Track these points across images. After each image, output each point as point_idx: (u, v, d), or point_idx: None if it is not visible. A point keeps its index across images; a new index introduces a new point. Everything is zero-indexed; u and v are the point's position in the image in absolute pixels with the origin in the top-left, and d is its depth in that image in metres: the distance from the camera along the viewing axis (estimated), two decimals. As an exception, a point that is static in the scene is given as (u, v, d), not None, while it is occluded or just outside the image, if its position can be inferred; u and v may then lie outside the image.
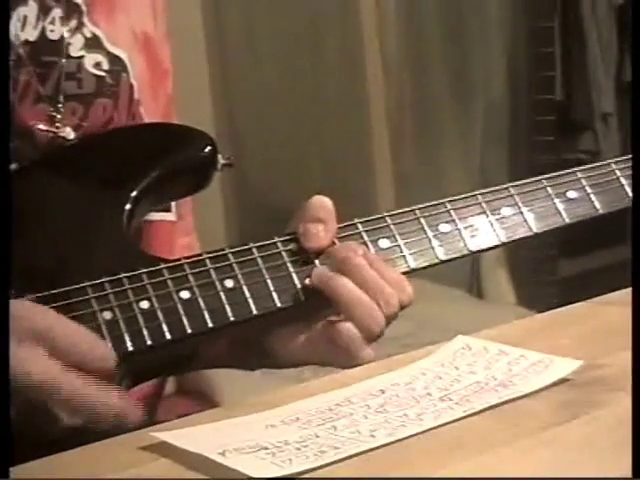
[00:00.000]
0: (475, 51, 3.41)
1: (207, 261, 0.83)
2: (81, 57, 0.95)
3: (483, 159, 3.37)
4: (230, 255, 0.84)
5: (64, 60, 0.93)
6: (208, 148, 0.91)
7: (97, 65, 0.96)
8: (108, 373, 0.74)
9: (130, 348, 0.78)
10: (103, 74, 0.96)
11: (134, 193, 0.87)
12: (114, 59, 0.97)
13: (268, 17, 2.92)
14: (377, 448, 0.61)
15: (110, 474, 0.61)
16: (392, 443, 0.62)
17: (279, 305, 0.83)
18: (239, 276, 0.83)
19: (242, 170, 2.87)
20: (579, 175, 0.95)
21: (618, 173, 0.96)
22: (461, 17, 3.37)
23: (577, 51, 3.47)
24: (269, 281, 0.84)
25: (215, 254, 0.84)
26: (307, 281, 0.84)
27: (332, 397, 0.70)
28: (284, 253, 0.85)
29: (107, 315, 0.79)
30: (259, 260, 0.84)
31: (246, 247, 0.85)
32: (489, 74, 3.46)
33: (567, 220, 0.93)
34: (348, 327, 0.83)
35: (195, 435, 0.65)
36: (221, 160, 0.92)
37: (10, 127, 0.86)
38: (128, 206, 0.87)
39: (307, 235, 0.85)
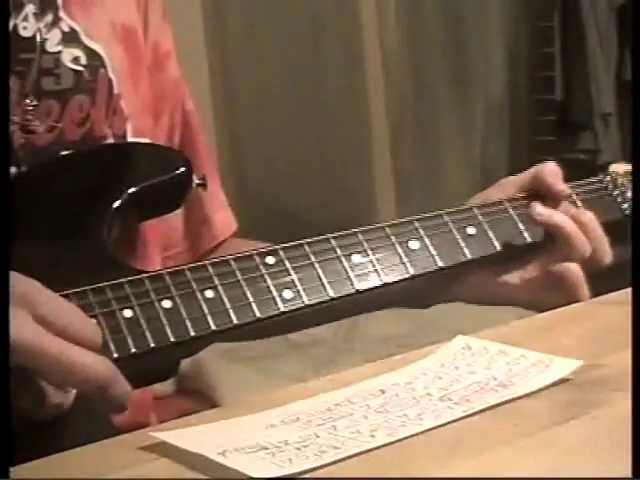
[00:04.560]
0: (475, 51, 3.41)
1: (187, 272, 0.84)
2: (58, 52, 0.95)
3: (483, 159, 3.37)
4: (209, 267, 0.85)
5: (39, 56, 0.93)
6: (182, 168, 0.92)
7: (75, 60, 0.96)
8: (94, 347, 0.74)
9: (115, 355, 0.78)
10: (81, 69, 0.96)
11: (111, 209, 0.88)
12: (91, 54, 0.97)
13: (268, 16, 2.92)
14: (377, 448, 0.61)
15: (110, 474, 0.61)
16: (392, 443, 0.62)
17: (258, 315, 0.84)
18: (219, 287, 0.84)
19: (242, 171, 2.87)
20: (475, 211, 0.98)
21: (511, 212, 1.00)
22: (461, 17, 3.38)
23: (577, 51, 3.47)
24: (247, 292, 0.85)
25: (195, 265, 0.85)
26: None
27: (332, 397, 0.70)
28: (261, 266, 0.86)
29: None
30: (237, 273, 0.85)
31: (224, 259, 0.86)
32: (489, 74, 3.46)
33: (469, 256, 0.96)
34: (575, 267, 0.95)
35: (195, 435, 0.65)
36: (195, 180, 0.94)
37: (9, 127, 0.85)
38: (107, 222, 0.88)
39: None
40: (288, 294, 0.86)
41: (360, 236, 0.92)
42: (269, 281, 0.86)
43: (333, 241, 0.91)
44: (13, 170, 0.90)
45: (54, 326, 0.71)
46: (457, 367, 0.74)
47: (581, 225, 0.97)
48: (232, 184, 2.80)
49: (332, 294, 0.88)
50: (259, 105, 2.92)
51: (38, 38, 0.94)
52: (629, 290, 0.80)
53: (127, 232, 0.95)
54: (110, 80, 0.98)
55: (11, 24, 0.91)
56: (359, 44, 3.11)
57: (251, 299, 0.84)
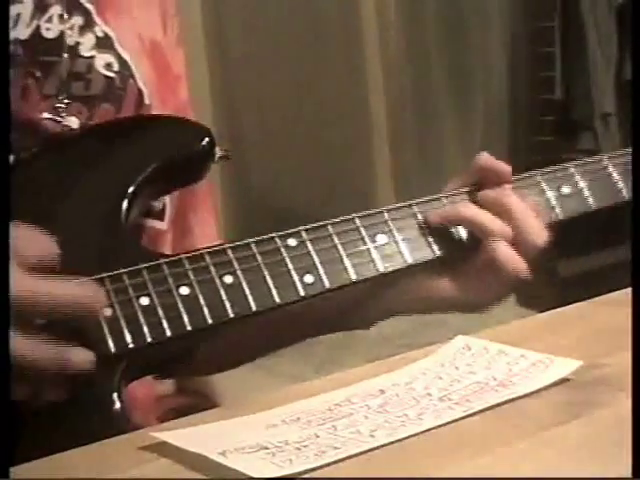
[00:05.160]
0: (475, 51, 3.41)
1: (206, 257, 0.83)
2: (92, 57, 0.94)
3: (483, 159, 3.36)
4: (229, 250, 0.83)
5: (66, 56, 0.92)
6: (206, 140, 0.90)
7: (108, 66, 0.95)
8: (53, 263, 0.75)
9: (130, 345, 0.78)
10: (113, 75, 0.95)
11: (131, 188, 0.87)
12: (122, 62, 0.96)
13: (268, 19, 2.92)
14: (377, 448, 0.61)
15: (110, 474, 0.61)
16: (392, 443, 0.62)
17: (278, 301, 0.83)
18: (238, 272, 0.83)
19: (242, 170, 2.87)
20: (572, 170, 0.95)
21: (611, 169, 0.96)
22: (461, 17, 3.38)
23: (577, 51, 3.47)
24: (268, 278, 0.84)
25: (214, 249, 0.83)
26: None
27: (332, 397, 0.70)
28: (283, 249, 0.85)
29: (107, 312, 0.78)
30: (258, 256, 0.84)
31: (244, 242, 0.84)
32: (489, 74, 3.46)
33: (560, 216, 0.93)
34: (501, 244, 0.89)
35: (195, 435, 0.65)
36: (218, 152, 0.92)
37: (10, 125, 0.85)
38: (126, 201, 0.86)
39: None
40: (309, 278, 0.85)
41: (386, 215, 0.90)
42: (290, 265, 0.84)
43: (358, 221, 0.89)
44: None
45: (18, 259, 0.72)
46: (457, 367, 0.74)
47: (502, 209, 0.91)
48: (232, 184, 2.80)
49: (354, 278, 0.86)
50: (259, 106, 2.92)
51: (69, 42, 0.92)
52: (629, 290, 0.80)
53: (145, 210, 0.94)
54: (140, 90, 0.97)
55: (34, 25, 0.91)
56: (359, 44, 3.11)
57: (271, 284, 0.83)
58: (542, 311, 0.91)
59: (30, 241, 0.75)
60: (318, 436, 0.63)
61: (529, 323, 0.90)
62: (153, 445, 0.64)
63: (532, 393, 0.68)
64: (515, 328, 0.88)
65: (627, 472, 0.56)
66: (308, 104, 3.00)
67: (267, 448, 0.61)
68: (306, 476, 0.58)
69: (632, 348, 0.69)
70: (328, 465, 0.59)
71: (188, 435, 0.64)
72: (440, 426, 0.64)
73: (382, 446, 0.61)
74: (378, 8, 3.16)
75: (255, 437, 0.63)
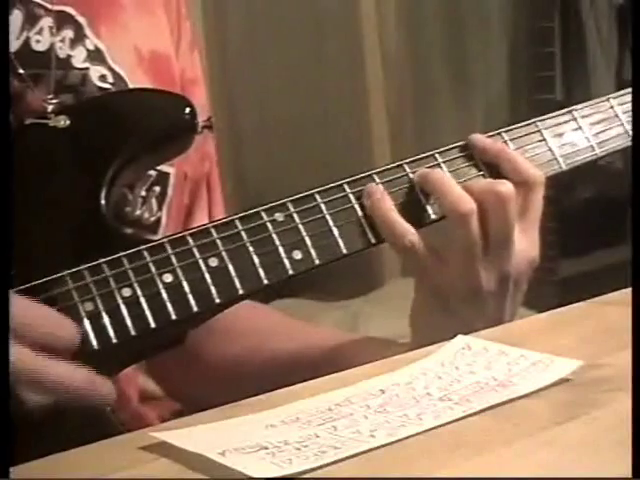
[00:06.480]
0: (475, 51, 3.41)
1: (189, 238, 0.80)
2: (86, 69, 0.92)
3: (483, 159, 3.36)
4: (212, 230, 0.81)
5: (55, 68, 0.90)
6: (187, 110, 0.88)
7: (102, 77, 0.93)
8: (72, 346, 0.73)
9: (114, 340, 0.77)
10: (109, 86, 0.94)
11: (112, 167, 0.84)
12: (116, 75, 0.94)
13: (269, 15, 2.92)
14: (377, 448, 0.61)
15: (110, 474, 0.61)
16: (392, 443, 0.62)
17: (265, 282, 0.81)
18: (223, 253, 0.80)
19: (242, 168, 2.87)
20: (575, 114, 0.93)
21: (618, 109, 0.93)
22: (461, 17, 3.37)
23: (577, 51, 3.47)
24: (254, 257, 0.81)
25: (197, 229, 0.81)
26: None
27: (332, 397, 0.70)
28: (269, 224, 0.83)
29: (89, 306, 0.77)
30: (243, 234, 0.82)
31: (228, 219, 0.82)
32: (489, 74, 3.46)
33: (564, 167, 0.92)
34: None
35: (195, 435, 0.65)
36: (201, 122, 0.90)
37: (9, 125, 0.84)
38: (106, 181, 0.84)
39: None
40: (297, 255, 0.82)
41: (376, 178, 0.87)
42: (277, 242, 0.82)
43: (346, 187, 0.86)
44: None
45: (28, 338, 0.70)
46: (457, 367, 0.74)
47: (496, 153, 0.90)
48: (231, 180, 2.80)
49: (345, 251, 0.84)
50: (259, 104, 2.92)
51: (60, 54, 0.91)
52: (629, 290, 0.80)
53: (129, 190, 0.92)
54: None
55: (23, 37, 0.89)
56: (359, 44, 3.11)
57: (257, 265, 0.80)
58: (542, 311, 0.91)
59: (51, 323, 0.73)
60: (318, 436, 0.63)
61: (529, 323, 0.90)
62: (153, 445, 0.64)
63: (532, 393, 0.68)
64: (515, 328, 0.88)
65: (627, 472, 0.56)
66: (308, 102, 3.00)
67: (267, 448, 0.61)
68: (306, 476, 0.58)
69: (632, 348, 0.69)
70: (328, 465, 0.59)
71: (188, 435, 0.64)
72: (440, 426, 0.64)
73: (382, 446, 0.61)
74: (378, 6, 3.16)
75: (255, 437, 0.63)
